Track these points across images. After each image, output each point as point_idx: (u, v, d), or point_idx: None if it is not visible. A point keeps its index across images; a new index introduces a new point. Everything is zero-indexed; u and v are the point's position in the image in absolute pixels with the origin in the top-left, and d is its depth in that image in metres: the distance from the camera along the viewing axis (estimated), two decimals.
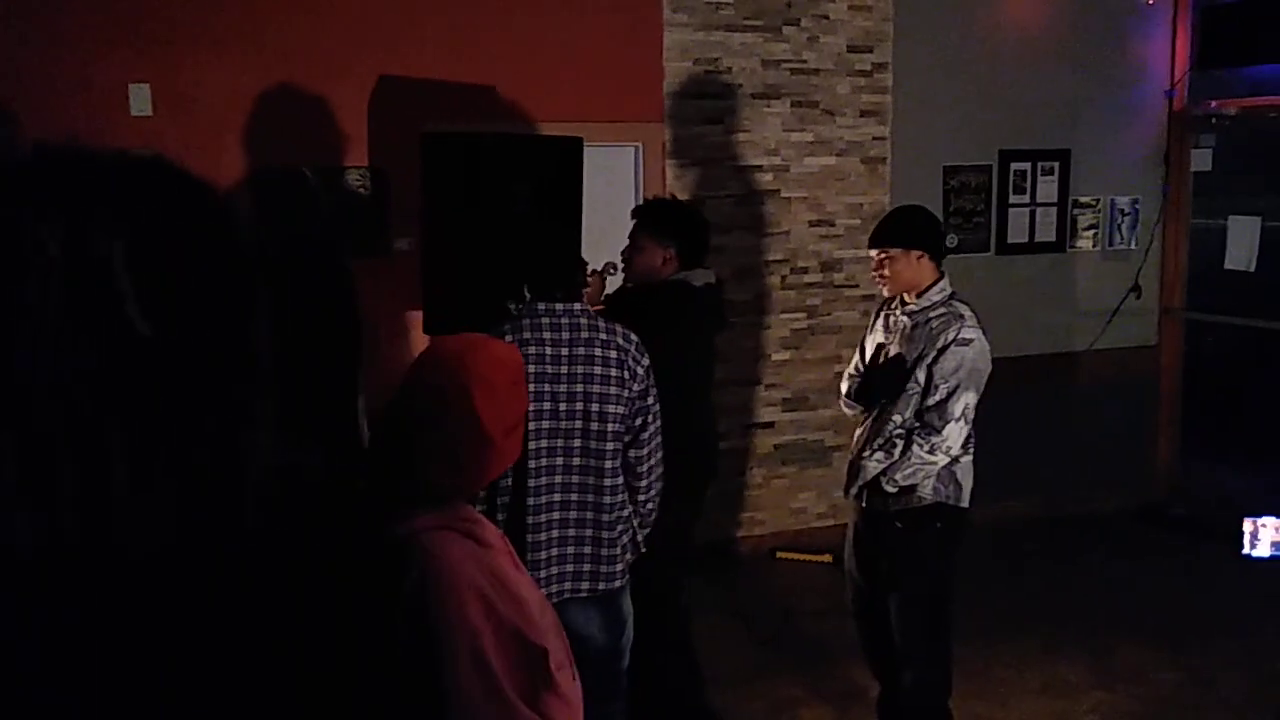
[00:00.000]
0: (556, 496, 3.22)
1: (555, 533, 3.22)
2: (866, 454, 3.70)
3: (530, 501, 3.19)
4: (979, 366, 3.58)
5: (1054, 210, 6.57)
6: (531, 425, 3.18)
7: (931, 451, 3.55)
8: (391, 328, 5.12)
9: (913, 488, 3.62)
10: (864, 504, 3.77)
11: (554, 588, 3.23)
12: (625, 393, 3.23)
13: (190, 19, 4.81)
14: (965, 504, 3.69)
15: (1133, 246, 6.77)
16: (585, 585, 3.26)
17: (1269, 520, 3.79)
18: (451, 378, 1.85)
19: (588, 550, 3.25)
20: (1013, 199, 6.49)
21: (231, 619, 1.67)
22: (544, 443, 3.20)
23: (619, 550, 3.29)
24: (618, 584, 3.31)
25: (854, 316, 6.18)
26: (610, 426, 3.23)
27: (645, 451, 3.33)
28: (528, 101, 5.32)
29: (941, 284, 3.67)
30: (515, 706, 1.74)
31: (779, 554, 6.09)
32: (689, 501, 3.99)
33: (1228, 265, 6.55)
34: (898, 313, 3.75)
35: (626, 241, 4.04)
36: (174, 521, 1.56)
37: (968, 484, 3.68)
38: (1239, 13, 6.27)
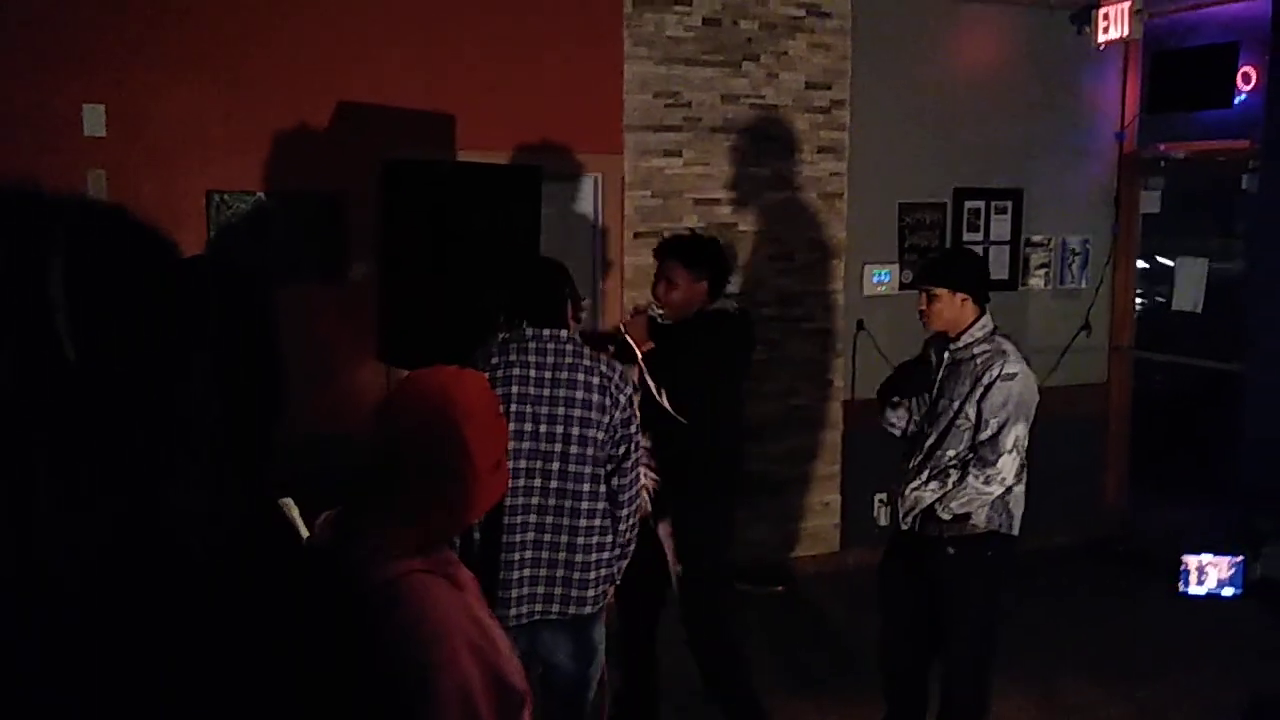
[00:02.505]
0: (533, 518, 3.27)
1: (529, 554, 3.26)
2: (918, 484, 3.81)
3: (506, 520, 3.25)
4: (1026, 399, 3.72)
5: (1007, 249, 6.66)
6: (511, 445, 3.23)
7: (987, 483, 3.68)
8: (346, 355, 5.08)
9: (967, 516, 3.74)
10: (916, 531, 3.85)
11: (524, 608, 3.27)
12: (606, 419, 3.30)
13: (147, 40, 4.77)
14: (1015, 532, 3.81)
15: (1083, 285, 6.88)
16: (555, 608, 3.30)
17: (1208, 558, 3.82)
18: (442, 413, 1.80)
19: (560, 573, 3.29)
20: (967, 237, 6.57)
21: (176, 654, 1.61)
22: (523, 463, 3.26)
23: (593, 576, 3.32)
24: (589, 610, 3.34)
25: (811, 350, 6.21)
26: (590, 451, 3.28)
27: (627, 480, 3.39)
28: (488, 131, 5.31)
29: (982, 321, 3.81)
30: None
31: (734, 585, 6.07)
32: (723, 514, 4.16)
33: (1176, 306, 6.66)
34: (945, 353, 3.86)
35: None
36: (104, 545, 1.53)
37: (1018, 513, 3.81)
38: (1188, 59, 6.41)
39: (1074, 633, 5.50)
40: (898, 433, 4.03)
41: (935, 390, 3.86)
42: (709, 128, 5.86)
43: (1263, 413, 5.86)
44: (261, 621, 1.68)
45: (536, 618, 3.29)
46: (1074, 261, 6.85)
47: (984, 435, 3.69)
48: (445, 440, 1.79)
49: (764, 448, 6.20)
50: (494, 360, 3.32)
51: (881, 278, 6.35)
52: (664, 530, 4.04)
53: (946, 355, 3.83)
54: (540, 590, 3.28)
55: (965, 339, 3.78)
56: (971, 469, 3.69)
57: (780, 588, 6.00)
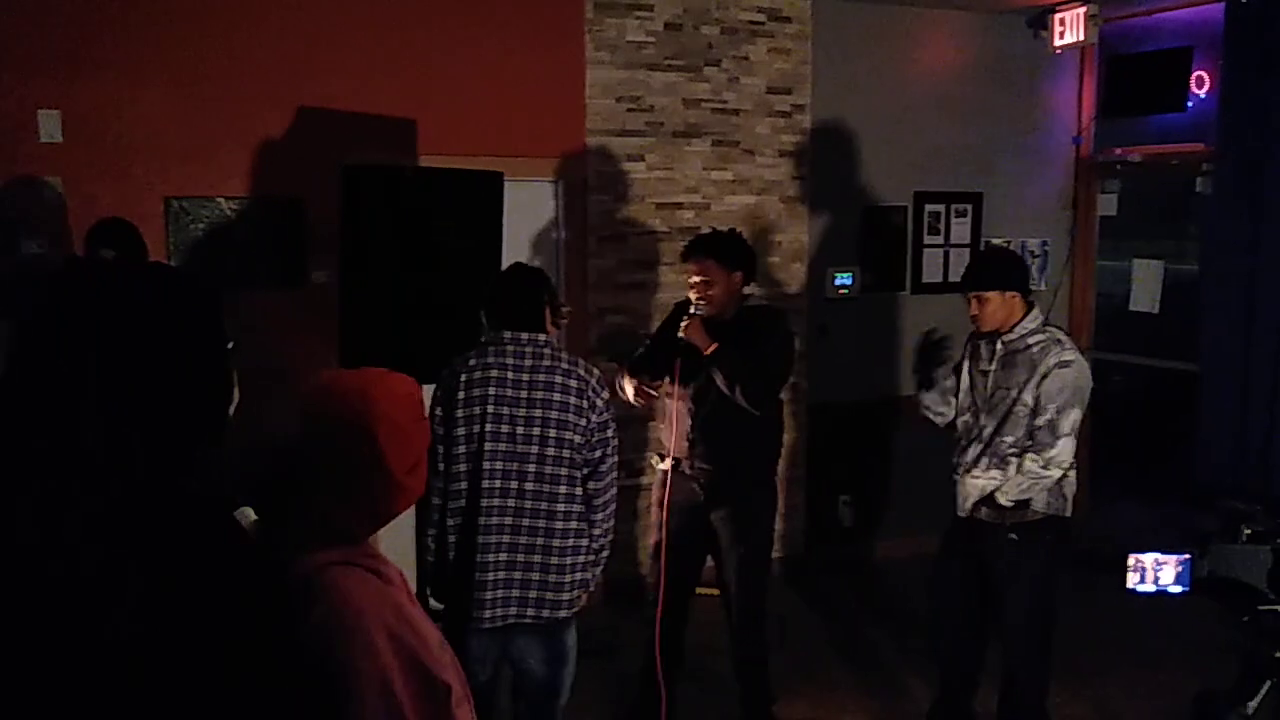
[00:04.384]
0: (508, 520, 3.28)
1: (504, 556, 3.27)
2: (978, 473, 3.93)
3: (482, 522, 3.26)
4: (1081, 385, 3.86)
5: (967, 251, 6.72)
6: (488, 447, 3.26)
7: (1046, 466, 3.81)
8: (307, 360, 5.05)
9: (1027, 502, 3.86)
10: (978, 519, 3.96)
11: (498, 611, 3.27)
12: (584, 422, 3.32)
13: (104, 45, 4.73)
14: (1069, 514, 3.97)
15: (1042, 287, 6.96)
16: (530, 612, 3.30)
17: (1155, 555, 3.82)
18: (355, 416, 1.80)
19: (535, 576, 3.29)
20: (927, 239, 6.63)
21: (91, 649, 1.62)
22: (499, 464, 3.27)
23: (567, 580, 3.33)
24: (563, 614, 3.35)
25: None
26: (566, 453, 3.30)
27: (603, 484, 3.42)
28: (450, 135, 5.31)
29: (1034, 313, 3.93)
30: None
31: (700, 590, 6.08)
32: (774, 496, 4.35)
33: (1133, 306, 6.75)
34: (997, 344, 3.95)
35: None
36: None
37: (1071, 495, 3.96)
38: (1143, 63, 6.51)
39: None
40: (942, 422, 4.16)
41: (990, 381, 3.96)
42: (671, 132, 5.89)
43: (1214, 412, 5.95)
44: (173, 622, 1.69)
45: (511, 621, 3.29)
46: (1033, 264, 6.93)
47: (1042, 419, 3.82)
48: (357, 443, 1.78)
49: None
50: (471, 362, 3.33)
51: (844, 280, 6.40)
52: (719, 516, 4.15)
53: (999, 347, 3.93)
54: (515, 593, 3.28)
55: (1019, 330, 3.90)
56: (1030, 454, 3.82)
57: None
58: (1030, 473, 3.82)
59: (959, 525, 4.06)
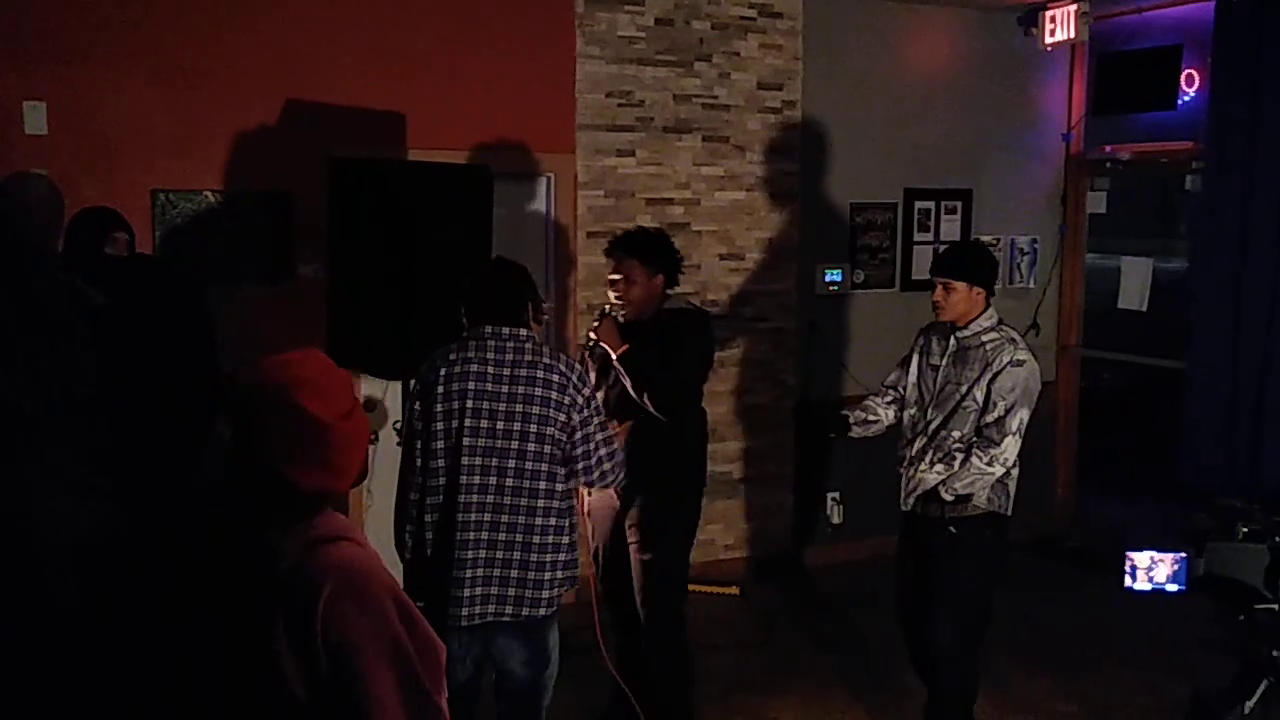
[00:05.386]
0: (487, 517, 3.24)
1: (483, 553, 3.23)
2: (925, 466, 3.94)
3: (460, 518, 3.23)
4: (1031, 386, 3.88)
5: None
6: (466, 442, 3.22)
7: (990, 463, 3.82)
8: None
9: (969, 496, 3.88)
10: (919, 512, 3.99)
11: (478, 609, 3.24)
12: (564, 418, 3.28)
13: (90, 36, 4.68)
14: (1010, 512, 3.97)
15: (1031, 285, 6.96)
16: (509, 610, 3.26)
17: (1151, 554, 3.80)
18: (265, 380, 1.86)
19: (514, 574, 3.26)
20: (917, 236, 6.62)
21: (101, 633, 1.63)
22: (478, 460, 3.23)
23: (547, 578, 3.29)
24: (542, 612, 3.31)
25: (763, 350, 6.23)
26: (547, 449, 3.26)
27: (598, 472, 3.37)
28: (439, 130, 5.27)
29: (990, 311, 3.97)
30: (435, 702, 1.81)
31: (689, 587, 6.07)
32: (693, 509, 4.21)
33: (1121, 304, 6.76)
34: (950, 339, 3.98)
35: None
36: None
37: (1013, 493, 3.97)
38: (1133, 61, 6.50)
39: (1022, 628, 5.55)
40: (880, 430, 4.19)
41: (940, 376, 3.98)
42: (661, 127, 5.86)
43: (1203, 410, 5.96)
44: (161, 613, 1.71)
45: (490, 619, 3.26)
46: (1022, 261, 6.93)
47: (991, 416, 3.84)
48: (278, 402, 1.83)
49: (716, 447, 6.21)
50: (452, 357, 3.30)
51: (833, 277, 6.39)
52: (630, 520, 4.06)
53: (952, 342, 3.96)
54: (494, 591, 3.24)
55: (973, 327, 3.94)
56: (976, 450, 3.84)
57: (735, 589, 6.00)
58: (975, 469, 3.84)
59: (903, 518, 4.10)
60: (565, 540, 3.33)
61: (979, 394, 3.87)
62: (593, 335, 3.97)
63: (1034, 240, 6.96)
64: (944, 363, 3.99)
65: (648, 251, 4.04)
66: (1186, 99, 6.22)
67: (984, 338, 3.92)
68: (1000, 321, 3.99)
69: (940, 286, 3.97)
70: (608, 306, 4.06)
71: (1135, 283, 6.73)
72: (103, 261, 3.84)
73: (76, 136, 4.67)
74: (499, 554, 3.24)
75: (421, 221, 4.14)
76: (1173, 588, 2.82)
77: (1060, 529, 7.02)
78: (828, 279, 6.38)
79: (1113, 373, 8.26)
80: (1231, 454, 5.78)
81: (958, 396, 3.91)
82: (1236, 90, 5.73)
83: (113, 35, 4.72)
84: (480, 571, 3.23)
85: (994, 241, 6.81)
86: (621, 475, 3.49)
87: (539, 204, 5.72)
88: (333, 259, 4.48)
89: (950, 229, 6.70)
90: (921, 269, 6.64)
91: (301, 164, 4.90)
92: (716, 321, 6.06)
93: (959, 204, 6.71)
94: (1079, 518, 7.17)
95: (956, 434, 3.90)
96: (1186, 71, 6.21)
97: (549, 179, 5.68)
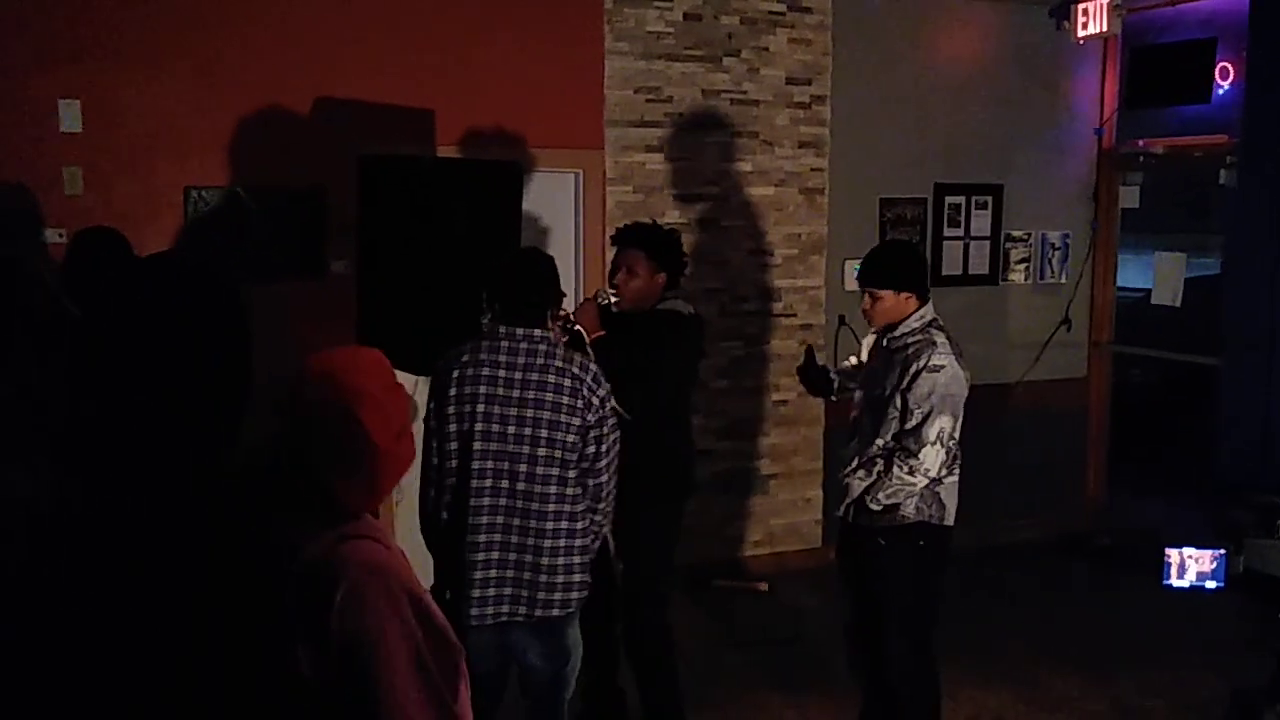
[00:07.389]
0: (499, 519, 3.23)
1: (495, 554, 3.22)
2: (848, 472, 3.83)
3: (471, 520, 3.21)
4: (952, 392, 3.66)
5: (987, 244, 6.68)
6: (477, 445, 3.21)
7: (911, 473, 3.64)
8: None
9: (896, 506, 3.72)
10: (851, 520, 3.87)
11: (490, 609, 3.23)
12: (578, 421, 3.25)
13: (124, 34, 4.73)
14: (949, 523, 3.78)
15: (1063, 280, 6.90)
16: (523, 610, 3.26)
17: (1190, 551, 3.81)
18: (335, 398, 1.88)
19: (527, 575, 3.24)
20: (947, 232, 6.58)
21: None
22: (489, 463, 3.22)
23: (560, 580, 3.27)
24: (556, 612, 3.29)
25: (791, 346, 6.21)
26: (558, 453, 3.24)
27: (605, 479, 3.34)
28: (468, 126, 5.29)
29: (920, 312, 3.77)
30: (448, 702, 1.81)
31: (717, 582, 6.08)
32: (671, 517, 4.07)
33: (1154, 300, 6.69)
34: (884, 340, 3.86)
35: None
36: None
37: (951, 504, 3.78)
38: (1166, 54, 6.44)
39: (1052, 625, 5.53)
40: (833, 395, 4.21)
41: (869, 378, 3.87)
42: (690, 123, 5.86)
43: (1239, 406, 5.89)
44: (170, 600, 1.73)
45: (504, 619, 3.25)
46: (1054, 256, 6.88)
47: (909, 424, 3.66)
48: (343, 423, 1.86)
49: (745, 444, 6.21)
50: (465, 358, 3.28)
51: None
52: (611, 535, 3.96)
53: (884, 343, 3.83)
54: (507, 591, 3.23)
55: (901, 329, 3.77)
56: (896, 459, 3.66)
57: (764, 585, 6.00)
58: (896, 479, 3.66)
59: (840, 525, 3.99)
60: (578, 543, 3.29)
61: (898, 400, 3.69)
62: (571, 316, 3.83)
63: (1066, 235, 6.90)
64: (877, 364, 3.85)
65: (655, 246, 3.99)
66: (1221, 92, 6.16)
67: (909, 339, 3.73)
68: (931, 322, 3.77)
69: (867, 295, 3.82)
70: (599, 292, 3.98)
71: (1169, 279, 6.66)
72: (130, 262, 3.89)
73: (110, 134, 4.72)
74: (511, 556, 3.22)
75: (451, 217, 4.16)
76: (1212, 584, 2.79)
77: (1092, 526, 6.97)
78: (857, 274, 6.34)
79: (1143, 368, 8.18)
80: (1266, 450, 5.72)
81: (881, 401, 3.75)
82: (1272, 84, 5.66)
83: (146, 33, 4.76)
84: (493, 573, 3.22)
85: (1025, 236, 6.77)
86: (613, 484, 3.42)
87: (568, 200, 5.72)
88: (363, 255, 4.50)
89: (981, 224, 6.65)
90: (952, 265, 6.61)
91: (332, 161, 4.92)
92: (743, 318, 6.08)
93: (989, 199, 6.66)
94: (1112, 515, 7.11)
95: (880, 441, 3.74)
96: (1221, 64, 6.14)
97: (577, 175, 5.68)
